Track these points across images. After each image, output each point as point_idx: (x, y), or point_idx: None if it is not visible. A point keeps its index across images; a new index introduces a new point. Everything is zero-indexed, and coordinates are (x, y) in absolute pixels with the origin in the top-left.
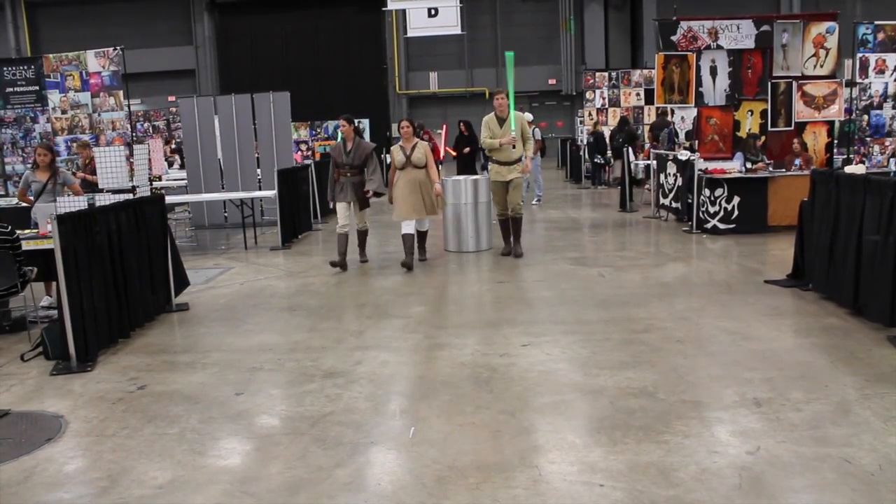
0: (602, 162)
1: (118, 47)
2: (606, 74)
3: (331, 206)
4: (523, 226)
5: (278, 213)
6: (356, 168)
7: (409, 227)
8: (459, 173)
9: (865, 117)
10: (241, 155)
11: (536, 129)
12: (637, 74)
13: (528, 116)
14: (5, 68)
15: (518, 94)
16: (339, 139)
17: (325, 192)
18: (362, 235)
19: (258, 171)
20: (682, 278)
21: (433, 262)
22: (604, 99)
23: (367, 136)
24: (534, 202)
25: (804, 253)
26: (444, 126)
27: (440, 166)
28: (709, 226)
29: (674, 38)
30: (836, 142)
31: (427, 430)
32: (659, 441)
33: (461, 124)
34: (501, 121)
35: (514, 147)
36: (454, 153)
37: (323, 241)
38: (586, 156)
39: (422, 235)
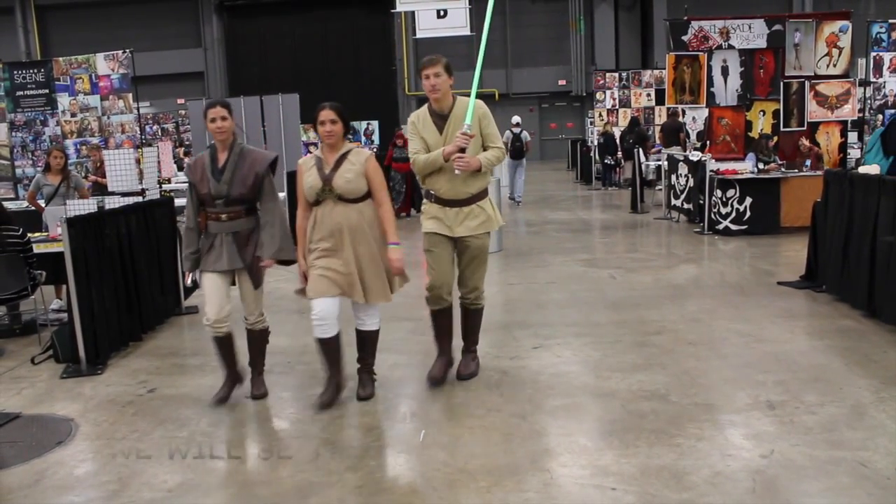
0: (612, 163)
1: (127, 50)
2: (617, 75)
3: (188, 281)
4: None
5: (287, 216)
6: (238, 203)
7: (328, 325)
8: None
9: (880, 117)
10: None
11: (525, 133)
12: (648, 75)
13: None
14: (15, 71)
15: (528, 95)
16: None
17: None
18: (257, 340)
19: None
20: (693, 280)
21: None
22: (614, 100)
23: (375, 138)
24: (516, 196)
25: (817, 254)
26: None
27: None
28: (721, 227)
29: (685, 38)
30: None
31: (437, 433)
32: (671, 444)
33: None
34: (441, 119)
35: (462, 166)
36: None
37: None
38: (597, 157)
39: (366, 339)
